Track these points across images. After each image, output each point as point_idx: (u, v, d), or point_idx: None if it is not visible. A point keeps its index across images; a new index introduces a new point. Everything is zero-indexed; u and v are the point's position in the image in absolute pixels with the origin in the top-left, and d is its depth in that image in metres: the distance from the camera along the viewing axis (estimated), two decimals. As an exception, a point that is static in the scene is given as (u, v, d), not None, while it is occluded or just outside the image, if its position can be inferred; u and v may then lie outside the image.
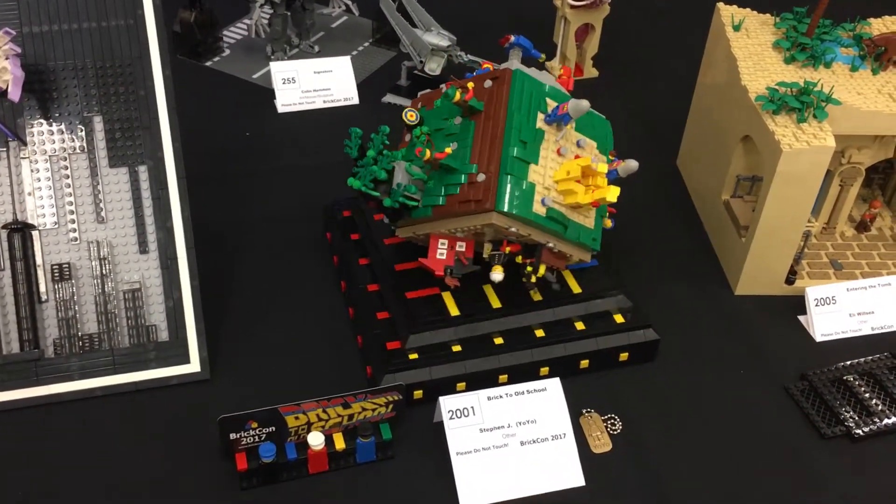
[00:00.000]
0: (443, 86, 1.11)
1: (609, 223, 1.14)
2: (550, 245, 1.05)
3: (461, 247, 1.07)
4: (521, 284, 1.10)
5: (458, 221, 1.05)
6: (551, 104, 1.05)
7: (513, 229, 1.02)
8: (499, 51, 1.65)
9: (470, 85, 1.08)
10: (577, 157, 1.05)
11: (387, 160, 1.08)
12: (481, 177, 1.01)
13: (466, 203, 1.01)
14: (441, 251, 1.07)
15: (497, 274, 1.06)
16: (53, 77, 1.08)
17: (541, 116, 1.04)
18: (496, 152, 1.01)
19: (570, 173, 1.01)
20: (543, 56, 1.14)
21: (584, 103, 1.01)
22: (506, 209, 0.99)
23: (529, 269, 1.08)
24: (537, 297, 1.12)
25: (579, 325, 1.13)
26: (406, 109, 1.09)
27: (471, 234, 1.06)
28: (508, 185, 1.00)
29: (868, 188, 1.40)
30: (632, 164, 1.03)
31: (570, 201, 1.02)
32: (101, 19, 1.09)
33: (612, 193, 1.01)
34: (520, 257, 1.08)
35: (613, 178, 1.04)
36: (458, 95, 1.04)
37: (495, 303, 1.12)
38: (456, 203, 1.03)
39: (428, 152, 1.03)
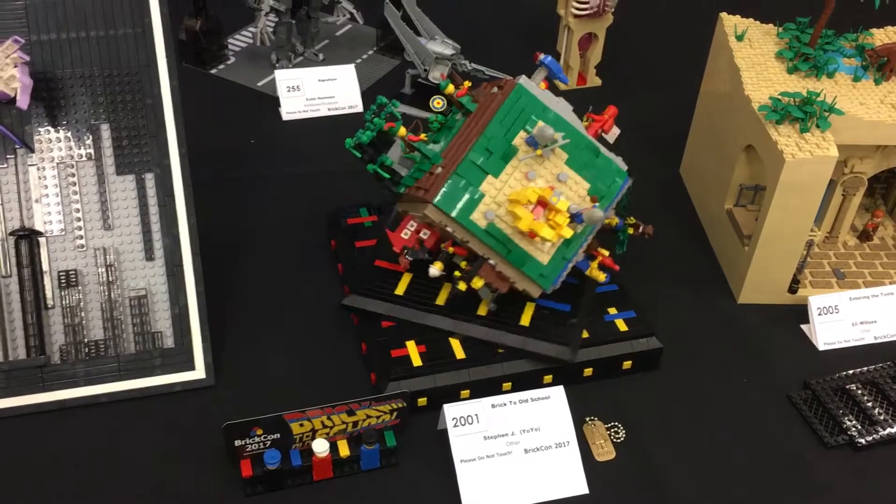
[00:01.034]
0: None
1: (602, 277, 1.13)
2: (491, 262, 1.05)
3: (425, 234, 1.08)
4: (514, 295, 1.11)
5: (413, 206, 1.08)
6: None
7: (448, 229, 1.03)
8: (501, 60, 1.66)
9: (466, 84, 1.10)
10: (551, 188, 1.03)
11: (376, 127, 1.11)
12: (439, 169, 1.03)
13: (418, 189, 1.05)
14: (407, 231, 1.08)
15: (433, 268, 1.07)
16: (61, 85, 1.09)
17: (523, 135, 1.04)
18: (462, 152, 1.03)
19: (519, 196, 1.01)
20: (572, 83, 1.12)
21: (549, 130, 1.00)
22: (441, 205, 1.01)
23: (458, 273, 1.08)
24: (483, 310, 1.12)
25: (583, 334, 1.14)
26: (436, 96, 1.11)
27: (426, 221, 1.07)
28: (453, 185, 1.01)
29: (870, 197, 1.41)
30: (596, 214, 1.02)
31: (513, 224, 1.02)
32: (109, 28, 1.10)
33: (550, 233, 1.00)
34: (464, 263, 1.09)
35: (579, 221, 1.03)
36: (450, 88, 1.07)
37: (441, 300, 1.13)
38: (415, 187, 1.06)
39: (403, 129, 1.07)
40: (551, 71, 1.10)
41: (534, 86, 1.07)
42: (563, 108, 1.08)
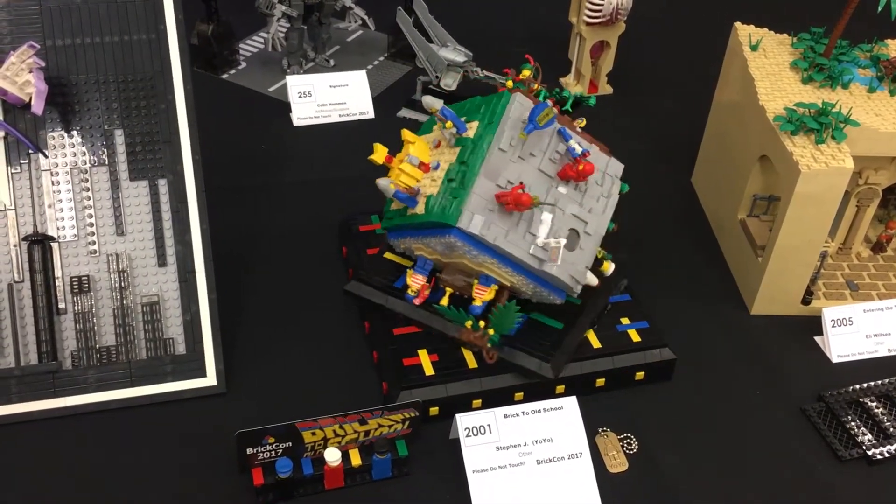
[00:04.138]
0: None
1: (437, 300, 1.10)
2: None
3: None
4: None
5: None
6: (470, 121, 1.06)
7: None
8: (513, 67, 1.66)
9: (535, 85, 1.14)
10: (427, 163, 1.06)
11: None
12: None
13: None
14: None
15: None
16: (76, 90, 1.09)
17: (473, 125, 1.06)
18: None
19: (405, 136, 1.09)
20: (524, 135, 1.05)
21: (430, 102, 1.05)
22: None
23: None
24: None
25: (595, 344, 1.13)
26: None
27: None
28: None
29: (884, 209, 1.40)
30: (381, 183, 1.04)
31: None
32: (124, 33, 1.10)
33: (392, 172, 1.06)
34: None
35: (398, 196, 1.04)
36: (526, 72, 1.13)
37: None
38: None
39: (509, 82, 1.13)
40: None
41: (521, 108, 1.02)
42: (510, 139, 1.00)
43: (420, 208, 1.04)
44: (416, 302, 1.11)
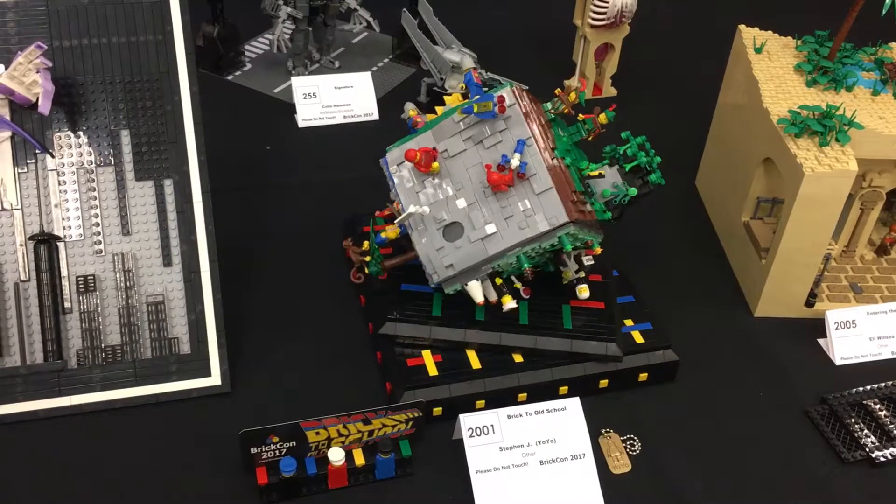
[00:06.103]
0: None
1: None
2: None
3: None
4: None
5: None
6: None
7: None
8: (518, 69, 1.66)
9: (573, 96, 1.16)
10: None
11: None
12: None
13: None
14: None
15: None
16: (82, 91, 1.10)
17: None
18: None
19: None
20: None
21: (467, 59, 1.25)
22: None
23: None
24: None
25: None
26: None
27: None
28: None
29: (888, 212, 1.40)
30: (407, 105, 1.14)
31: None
32: (131, 35, 1.11)
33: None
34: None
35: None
36: (572, 94, 1.15)
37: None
38: None
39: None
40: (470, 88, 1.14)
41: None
42: (464, 115, 1.05)
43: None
44: (377, 213, 1.19)
